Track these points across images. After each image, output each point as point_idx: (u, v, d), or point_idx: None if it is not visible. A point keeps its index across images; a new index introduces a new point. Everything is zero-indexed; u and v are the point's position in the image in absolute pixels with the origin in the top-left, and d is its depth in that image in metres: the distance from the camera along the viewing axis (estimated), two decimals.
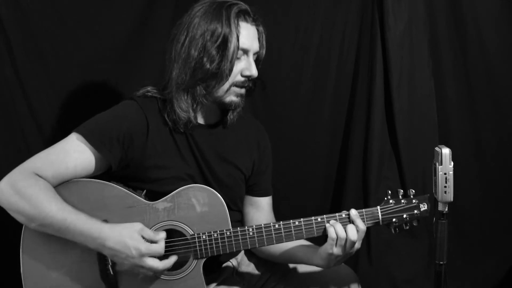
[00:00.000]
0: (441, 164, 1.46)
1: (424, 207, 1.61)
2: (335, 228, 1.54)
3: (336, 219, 1.57)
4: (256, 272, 1.83)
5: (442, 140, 2.53)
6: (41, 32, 2.11)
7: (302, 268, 1.80)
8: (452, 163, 1.47)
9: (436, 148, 1.49)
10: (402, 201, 1.61)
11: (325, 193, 2.58)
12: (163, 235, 1.51)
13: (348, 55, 2.48)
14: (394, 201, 1.61)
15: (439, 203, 1.49)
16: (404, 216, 1.61)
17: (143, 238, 1.47)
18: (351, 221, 1.57)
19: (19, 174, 1.50)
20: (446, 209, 1.48)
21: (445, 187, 1.47)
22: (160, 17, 2.24)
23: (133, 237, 1.46)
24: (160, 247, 1.49)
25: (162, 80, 1.70)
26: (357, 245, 1.56)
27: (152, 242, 1.48)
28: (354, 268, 1.91)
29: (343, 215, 1.58)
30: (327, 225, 1.56)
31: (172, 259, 1.53)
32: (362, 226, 1.56)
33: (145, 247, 1.46)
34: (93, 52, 2.19)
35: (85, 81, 2.20)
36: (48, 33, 2.12)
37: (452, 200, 1.47)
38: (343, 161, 2.55)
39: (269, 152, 1.87)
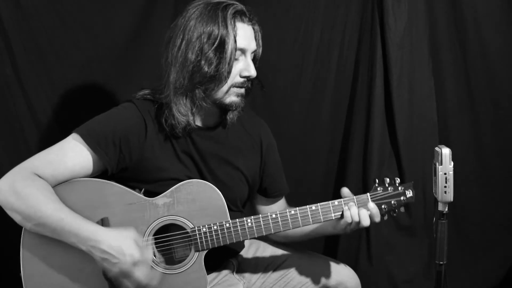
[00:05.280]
0: (441, 164, 1.47)
1: (409, 193, 1.67)
2: (350, 211, 1.59)
3: (354, 202, 1.63)
4: (256, 271, 1.83)
5: (442, 140, 2.53)
6: (41, 32, 2.12)
7: (303, 266, 1.80)
8: (452, 163, 1.47)
9: (436, 148, 1.49)
10: (389, 188, 1.66)
11: (325, 192, 2.58)
12: (151, 241, 1.51)
13: (348, 55, 2.48)
14: (381, 188, 1.66)
15: (439, 203, 1.49)
16: (392, 202, 1.66)
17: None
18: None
19: (18, 174, 1.50)
20: (446, 209, 1.49)
21: (445, 187, 1.47)
22: (159, 17, 2.24)
23: (128, 244, 1.45)
24: (150, 253, 1.50)
25: (160, 82, 1.69)
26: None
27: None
28: (354, 268, 1.92)
29: (336, 203, 1.63)
30: (345, 208, 1.61)
31: (157, 275, 1.53)
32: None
33: (139, 254, 1.45)
34: (93, 52, 2.19)
35: (85, 81, 2.20)
36: (48, 33, 2.12)
37: (452, 200, 1.48)
38: (343, 161, 2.55)
39: (274, 150, 1.86)
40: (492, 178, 2.61)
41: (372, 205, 1.62)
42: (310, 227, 1.73)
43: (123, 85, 2.23)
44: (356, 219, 1.60)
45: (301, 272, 1.79)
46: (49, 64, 2.15)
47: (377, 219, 1.63)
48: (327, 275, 1.77)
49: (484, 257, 2.64)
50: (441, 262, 1.50)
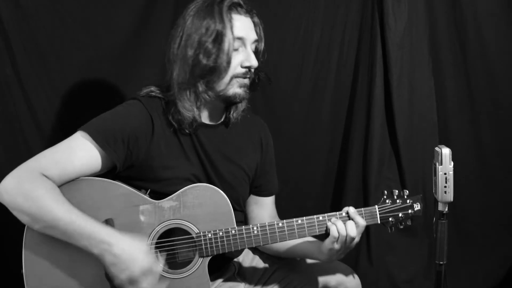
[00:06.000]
0: (441, 164, 1.46)
1: (417, 207, 1.67)
2: (336, 226, 1.58)
3: (336, 217, 1.61)
4: (257, 272, 1.83)
5: (442, 140, 2.53)
6: (41, 32, 2.12)
7: (303, 267, 1.81)
8: (452, 163, 1.47)
9: (436, 148, 1.49)
10: (398, 201, 1.65)
11: (325, 193, 2.58)
12: (163, 260, 1.52)
13: (348, 55, 2.48)
14: (390, 201, 1.65)
15: (439, 203, 1.49)
16: (400, 215, 1.65)
17: None
18: (350, 218, 1.61)
19: (25, 174, 1.48)
20: (446, 209, 1.49)
21: (445, 187, 1.47)
22: (160, 17, 2.25)
23: (141, 251, 1.45)
24: (160, 266, 1.49)
25: (163, 80, 1.70)
26: (357, 239, 1.61)
27: None
28: (354, 268, 1.92)
29: (343, 214, 1.62)
30: (329, 223, 1.59)
31: (164, 286, 1.53)
32: (362, 222, 1.60)
33: (149, 264, 1.45)
34: (93, 52, 2.19)
35: (85, 81, 2.20)
36: (48, 33, 2.12)
37: (452, 200, 1.47)
38: (343, 161, 2.55)
39: (271, 149, 1.87)
40: (492, 178, 2.62)
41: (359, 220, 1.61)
42: (297, 244, 1.73)
43: (123, 85, 2.23)
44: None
45: (302, 272, 1.79)
46: (49, 64, 2.14)
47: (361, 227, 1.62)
48: (327, 275, 1.77)
49: (484, 257, 2.64)
50: (441, 262, 1.50)
